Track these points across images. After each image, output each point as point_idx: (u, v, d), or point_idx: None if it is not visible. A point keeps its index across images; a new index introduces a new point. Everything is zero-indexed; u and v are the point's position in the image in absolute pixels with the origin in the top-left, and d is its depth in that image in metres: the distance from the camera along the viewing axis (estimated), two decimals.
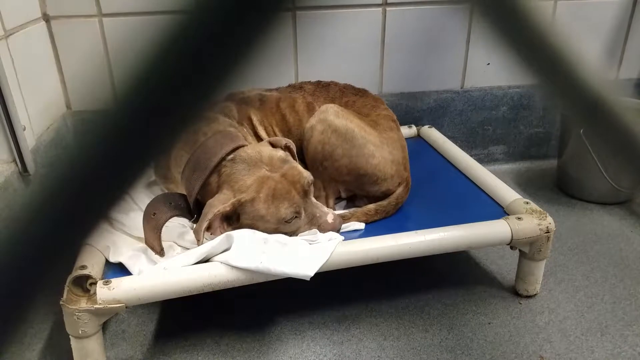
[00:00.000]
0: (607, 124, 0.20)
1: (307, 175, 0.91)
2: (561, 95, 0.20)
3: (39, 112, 1.11)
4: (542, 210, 0.98)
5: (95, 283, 0.78)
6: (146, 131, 0.19)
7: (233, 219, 0.89)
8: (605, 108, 0.20)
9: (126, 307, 0.78)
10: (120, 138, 0.19)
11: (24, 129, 0.99)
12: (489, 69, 1.46)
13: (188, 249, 0.88)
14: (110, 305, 0.77)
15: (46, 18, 1.19)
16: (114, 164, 0.20)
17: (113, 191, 0.20)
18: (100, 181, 0.20)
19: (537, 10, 0.19)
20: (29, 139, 1.01)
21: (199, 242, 0.84)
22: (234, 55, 0.18)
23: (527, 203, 1.00)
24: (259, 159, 0.90)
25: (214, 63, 0.18)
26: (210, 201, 0.86)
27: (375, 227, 0.99)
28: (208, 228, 0.85)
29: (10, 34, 1.01)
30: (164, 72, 0.18)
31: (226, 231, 0.88)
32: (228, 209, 0.86)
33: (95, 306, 0.76)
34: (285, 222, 0.89)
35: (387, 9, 1.34)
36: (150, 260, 0.86)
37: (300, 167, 0.92)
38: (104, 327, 0.92)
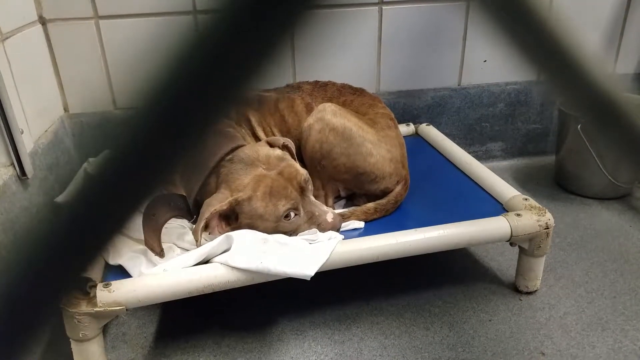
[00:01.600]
0: (611, 118, 0.20)
1: (303, 172, 0.91)
2: (562, 89, 0.20)
3: (36, 115, 1.11)
4: (541, 206, 0.98)
5: (95, 286, 0.78)
6: (170, 135, 0.19)
7: (232, 219, 0.89)
8: (609, 102, 0.20)
9: (126, 310, 0.78)
10: (144, 142, 0.19)
11: (22, 133, 0.99)
12: (486, 66, 1.46)
13: (188, 250, 0.88)
14: (110, 308, 0.77)
15: (42, 21, 1.18)
16: (137, 169, 0.19)
17: (136, 199, 0.20)
18: (122, 192, 0.20)
19: (537, 2, 0.19)
20: (26, 142, 1.01)
21: (197, 242, 0.84)
22: (259, 55, 0.18)
23: (526, 199, 1.00)
24: (256, 158, 0.90)
25: (239, 64, 0.18)
26: (207, 200, 0.86)
27: (374, 225, 0.99)
28: (206, 227, 0.85)
29: (7, 37, 1.01)
30: (187, 74, 0.18)
31: (225, 231, 0.88)
32: (225, 207, 0.86)
33: (95, 309, 0.76)
34: (284, 219, 0.89)
35: (384, 7, 1.34)
36: (150, 262, 0.86)
37: (297, 165, 0.92)
38: (105, 329, 0.92)
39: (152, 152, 0.19)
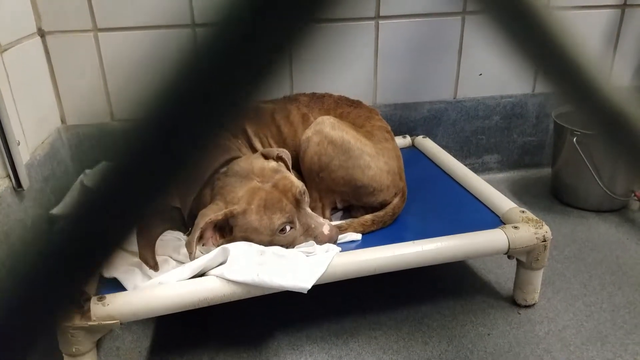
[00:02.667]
0: (620, 130, 0.20)
1: (298, 184, 0.91)
2: (571, 101, 0.20)
3: (33, 126, 1.11)
4: (538, 218, 0.98)
5: (89, 299, 0.77)
6: (170, 147, 0.19)
7: (226, 231, 0.89)
8: (618, 113, 0.20)
9: (121, 324, 0.77)
10: (143, 154, 0.19)
11: (19, 144, 0.98)
12: (481, 79, 1.47)
13: (183, 263, 0.88)
14: (104, 322, 0.76)
15: (41, 33, 1.19)
16: (136, 182, 0.19)
17: (137, 213, 0.20)
18: (123, 204, 0.19)
19: (549, 14, 0.19)
20: (23, 154, 1.01)
21: (191, 253, 0.83)
22: (259, 69, 0.18)
23: (523, 212, 1.00)
24: (251, 170, 0.90)
25: (239, 76, 0.18)
26: (202, 211, 0.86)
27: (372, 237, 0.99)
28: (200, 238, 0.85)
29: (6, 49, 1.01)
30: (187, 87, 0.18)
31: (219, 243, 0.87)
32: (220, 218, 0.85)
33: (89, 323, 0.75)
34: (280, 232, 0.88)
35: (380, 21, 1.35)
36: (145, 275, 0.85)
37: (292, 177, 0.92)
38: (98, 344, 0.90)
39: (152, 164, 0.19)
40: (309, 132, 1.01)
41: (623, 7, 1.46)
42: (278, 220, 0.87)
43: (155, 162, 0.19)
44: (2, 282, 0.21)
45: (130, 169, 0.19)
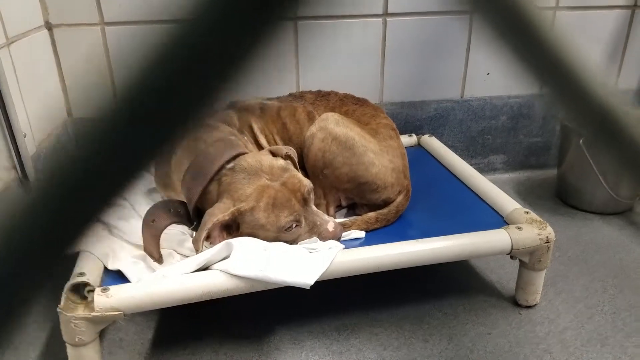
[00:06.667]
0: (612, 133, 0.20)
1: (307, 183, 0.91)
2: (564, 103, 0.20)
3: (39, 119, 1.12)
4: (542, 220, 0.97)
5: (93, 290, 0.78)
6: (144, 136, 0.19)
7: (233, 228, 0.89)
8: (610, 117, 0.20)
9: (124, 315, 0.78)
10: (117, 142, 0.19)
11: (25, 136, 0.99)
12: (489, 78, 1.47)
13: (187, 256, 0.88)
14: (107, 313, 0.77)
15: (48, 26, 1.19)
16: (111, 167, 0.20)
17: (108, 195, 0.20)
18: (96, 184, 0.20)
19: (540, 16, 0.19)
20: (29, 146, 1.02)
21: (197, 251, 0.84)
22: (234, 63, 0.18)
23: (527, 212, 1.00)
24: (259, 167, 0.90)
25: (215, 70, 0.18)
26: (209, 210, 0.86)
27: (375, 235, 0.99)
28: (207, 237, 0.85)
29: (13, 42, 1.02)
30: (164, 78, 0.18)
31: (225, 239, 0.88)
32: (227, 218, 0.86)
33: (92, 314, 0.76)
34: (286, 230, 0.89)
35: (388, 19, 1.35)
36: (149, 267, 0.86)
37: (300, 176, 0.92)
38: (101, 335, 0.91)
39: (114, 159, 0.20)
40: (313, 129, 1.01)
41: (633, 7, 1.44)
42: (285, 218, 0.87)
43: (129, 149, 0.20)
44: None
45: (105, 152, 0.20)
